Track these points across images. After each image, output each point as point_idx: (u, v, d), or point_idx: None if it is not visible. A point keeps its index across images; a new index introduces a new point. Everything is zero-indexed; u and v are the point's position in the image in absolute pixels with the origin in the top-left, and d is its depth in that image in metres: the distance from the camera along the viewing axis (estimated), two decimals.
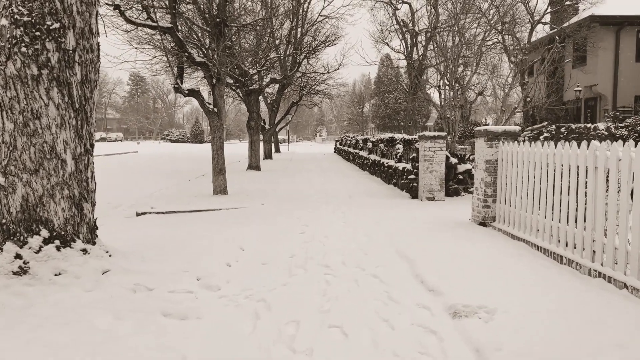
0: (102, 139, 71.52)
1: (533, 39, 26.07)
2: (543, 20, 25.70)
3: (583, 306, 3.62)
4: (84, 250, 4.18)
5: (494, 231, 6.46)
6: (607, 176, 4.36)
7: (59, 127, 3.95)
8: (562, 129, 19.34)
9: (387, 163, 13.79)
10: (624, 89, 23.69)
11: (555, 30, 24.23)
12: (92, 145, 4.46)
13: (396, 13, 31.30)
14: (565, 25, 24.14)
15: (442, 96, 12.00)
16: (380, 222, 7.27)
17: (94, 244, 4.40)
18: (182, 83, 11.02)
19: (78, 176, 4.18)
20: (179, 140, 71.47)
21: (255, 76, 17.88)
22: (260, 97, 34.16)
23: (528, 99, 25.76)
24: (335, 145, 38.26)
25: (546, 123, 17.79)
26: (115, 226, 7.57)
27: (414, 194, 10.40)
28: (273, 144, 37.51)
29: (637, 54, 23.47)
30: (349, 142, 28.03)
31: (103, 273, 4.14)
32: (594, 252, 4.51)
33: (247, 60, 17.22)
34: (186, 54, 10.64)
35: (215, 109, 11.02)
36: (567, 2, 25.52)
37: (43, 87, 3.85)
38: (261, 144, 27.99)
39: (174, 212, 9.56)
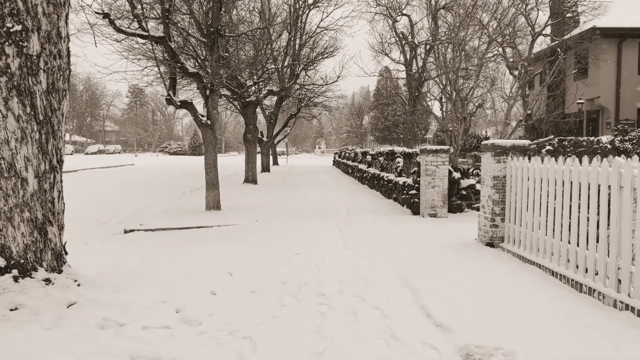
0: (100, 151, 71.16)
1: (534, 51, 25.82)
2: (544, 33, 25.48)
3: (615, 351, 3.15)
4: (47, 280, 3.71)
5: (503, 253, 5.99)
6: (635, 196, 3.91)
7: (19, 142, 3.50)
8: (565, 142, 18.95)
9: (386, 177, 13.34)
10: (626, 101, 23.39)
11: (557, 42, 24.00)
12: (60, 162, 4.00)
13: (395, 25, 31.15)
14: (566, 37, 23.90)
15: (444, 108, 11.60)
16: (380, 243, 6.80)
17: (60, 272, 3.92)
18: (174, 94, 10.62)
19: (42, 196, 3.72)
20: (177, 153, 71.10)
21: (253, 88, 17.51)
22: (258, 110, 33.95)
23: (529, 112, 25.47)
24: (334, 157, 37.89)
25: (552, 137, 17.40)
26: (96, 247, 7.10)
27: (415, 210, 9.93)
28: (271, 157, 37.14)
29: None
30: (347, 154, 27.63)
31: (68, 306, 3.66)
32: (619, 280, 4.04)
33: (244, 72, 16.88)
34: (179, 65, 10.26)
35: (209, 121, 10.61)
36: (568, 15, 25.33)
37: (0, 96, 3.41)
38: (258, 157, 27.61)
39: (164, 229, 9.09)
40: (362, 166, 19.34)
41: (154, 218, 10.11)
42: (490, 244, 6.28)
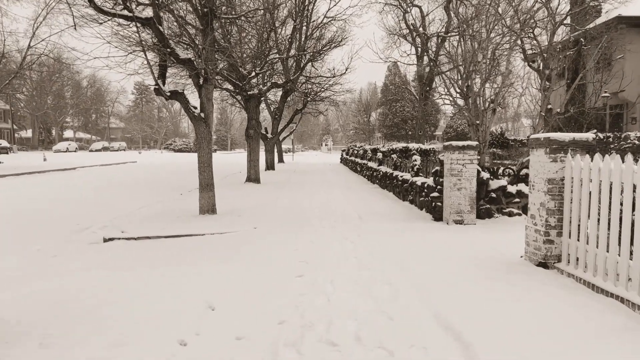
0: (105, 148, 70.31)
1: (550, 43, 24.33)
2: (565, 22, 23.98)
3: None
4: None
5: (561, 277, 4.70)
6: None
7: None
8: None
9: (401, 177, 12.06)
10: None
11: (579, 32, 22.51)
12: None
13: (406, 16, 29.73)
14: (590, 26, 22.41)
15: (470, 99, 10.29)
16: (402, 260, 5.53)
17: None
18: (164, 84, 9.40)
19: None
20: (182, 150, 70.10)
21: (254, 80, 16.26)
22: (263, 105, 32.71)
23: (549, 106, 24.00)
24: (342, 155, 36.56)
25: (595, 131, 16.00)
26: (60, 264, 5.90)
27: (437, 215, 8.65)
28: (276, 154, 35.93)
29: None
30: (356, 152, 26.32)
31: None
32: None
33: (245, 62, 15.63)
34: (168, 50, 9.04)
35: (202, 114, 9.38)
36: (592, 3, 23.81)
37: None
38: (263, 154, 26.40)
39: (148, 237, 7.89)
40: (372, 164, 18.06)
41: (141, 223, 8.93)
42: (543, 264, 4.99)
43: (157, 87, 9.00)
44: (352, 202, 11.41)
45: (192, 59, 9.23)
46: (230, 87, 19.20)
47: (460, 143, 8.06)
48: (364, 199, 12.27)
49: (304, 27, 19.07)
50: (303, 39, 18.90)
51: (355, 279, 4.82)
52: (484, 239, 6.73)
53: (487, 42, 11.90)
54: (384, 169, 15.20)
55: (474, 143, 8.08)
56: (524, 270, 4.92)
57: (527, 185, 8.87)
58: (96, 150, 67.78)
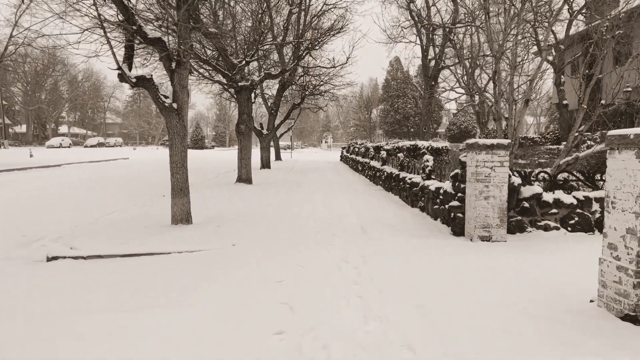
0: (100, 144, 68.60)
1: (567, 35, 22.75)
2: (583, 12, 22.37)
3: None
4: None
5: None
6: None
7: None
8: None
9: (410, 179, 10.52)
10: None
11: (598, 22, 20.91)
12: None
13: (410, 6, 28.07)
14: (610, 16, 20.81)
15: (496, 88, 8.72)
16: (425, 304, 3.98)
17: None
18: (130, 68, 7.85)
19: None
20: None
21: (245, 69, 14.68)
22: (261, 100, 31.07)
23: (565, 102, 22.40)
24: (342, 152, 34.97)
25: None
26: None
27: (457, 229, 7.11)
28: (273, 151, 34.33)
29: None
30: (357, 149, 24.75)
31: None
32: None
33: (235, 51, 14.06)
34: (134, 28, 7.48)
35: (175, 105, 7.83)
36: None
37: None
38: (257, 152, 24.82)
39: (100, 256, 6.38)
40: (375, 163, 16.50)
41: (102, 235, 7.41)
42: (632, 318, 3.46)
43: (118, 69, 7.45)
44: (354, 208, 9.87)
45: (162, 38, 7.68)
46: (222, 79, 17.66)
47: (489, 141, 6.50)
48: (367, 203, 10.72)
49: (302, 15, 17.48)
50: (301, 27, 17.31)
51: (360, 341, 3.28)
52: (525, 265, 5.18)
53: (520, 20, 10.28)
54: (388, 169, 13.65)
55: (505, 141, 6.52)
56: (606, 328, 3.38)
57: (566, 192, 7.33)
58: (91, 146, 66.08)
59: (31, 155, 32.80)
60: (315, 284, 4.61)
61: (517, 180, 7.12)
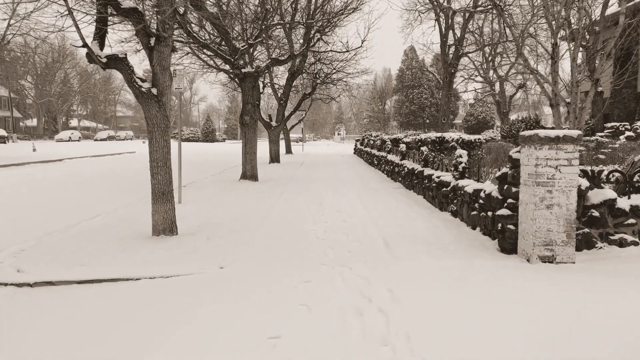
0: (111, 138, 67.80)
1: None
2: None
3: None
4: None
5: None
6: None
7: None
8: None
9: (438, 177, 8.99)
10: None
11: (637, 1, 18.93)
12: None
13: None
14: None
15: (555, 64, 7.12)
16: None
17: None
18: (102, 47, 6.43)
19: None
20: (189, 139, 67.26)
21: (249, 52, 13.20)
22: (270, 92, 29.56)
23: (600, 89, 20.54)
24: (355, 145, 33.36)
25: None
26: None
27: (507, 244, 5.59)
28: (283, 144, 32.90)
29: None
30: (372, 142, 23.17)
31: None
32: None
33: (236, 31, 12.59)
34: None
35: (154, 90, 6.39)
36: None
37: None
38: (264, 145, 23.38)
39: (51, 283, 5.00)
40: (393, 157, 14.96)
41: (64, 250, 6.04)
42: None
43: (84, 46, 6.03)
44: (373, 214, 8.37)
45: (138, 8, 6.23)
46: (227, 67, 16.25)
47: (553, 132, 4.94)
48: (388, 206, 9.22)
49: None
50: (312, 6, 15.74)
51: None
52: (611, 300, 3.66)
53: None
54: (409, 164, 12.11)
55: (575, 132, 4.96)
56: None
57: None
58: (101, 140, 65.25)
59: (34, 150, 31.84)
60: (323, 343, 3.15)
61: (583, 182, 5.56)
